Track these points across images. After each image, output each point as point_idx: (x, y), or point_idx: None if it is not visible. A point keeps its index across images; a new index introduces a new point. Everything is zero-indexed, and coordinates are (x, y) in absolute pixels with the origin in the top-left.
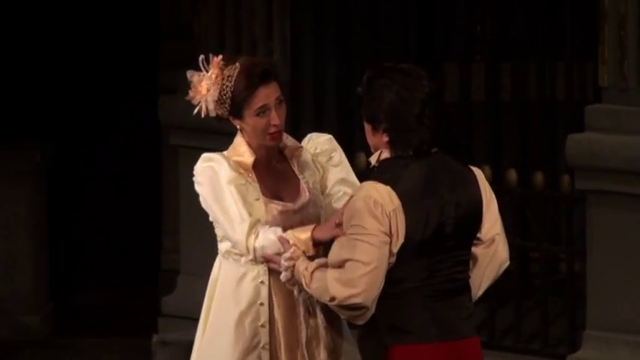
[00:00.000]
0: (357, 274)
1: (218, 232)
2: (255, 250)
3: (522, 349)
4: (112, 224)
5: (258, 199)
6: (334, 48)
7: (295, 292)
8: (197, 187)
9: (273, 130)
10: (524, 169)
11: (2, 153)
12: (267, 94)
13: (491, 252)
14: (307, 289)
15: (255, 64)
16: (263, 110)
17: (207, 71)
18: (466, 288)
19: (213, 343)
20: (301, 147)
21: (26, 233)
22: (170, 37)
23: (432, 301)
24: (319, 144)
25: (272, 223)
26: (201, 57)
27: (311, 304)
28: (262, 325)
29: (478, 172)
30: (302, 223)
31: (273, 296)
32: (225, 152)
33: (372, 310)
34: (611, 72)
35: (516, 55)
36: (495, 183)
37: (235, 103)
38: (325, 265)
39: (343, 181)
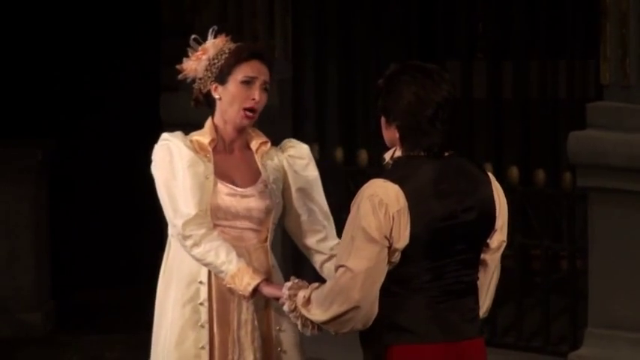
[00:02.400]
0: (350, 284)
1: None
2: (194, 245)
3: (524, 346)
4: (114, 221)
5: (208, 178)
6: (336, 46)
7: (299, 326)
8: (152, 168)
9: (249, 104)
10: (526, 166)
11: (4, 150)
12: (259, 69)
13: (498, 257)
14: (307, 315)
15: (260, 44)
16: (249, 81)
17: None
18: (472, 290)
19: (160, 322)
20: (267, 141)
21: (28, 231)
22: (171, 34)
23: (435, 302)
24: (298, 150)
25: (219, 204)
26: (214, 27)
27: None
28: (201, 304)
29: (492, 178)
30: (249, 211)
31: (212, 275)
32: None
33: (372, 313)
34: (612, 69)
35: (518, 53)
36: (497, 181)
37: (226, 66)
38: (319, 287)
39: (308, 195)
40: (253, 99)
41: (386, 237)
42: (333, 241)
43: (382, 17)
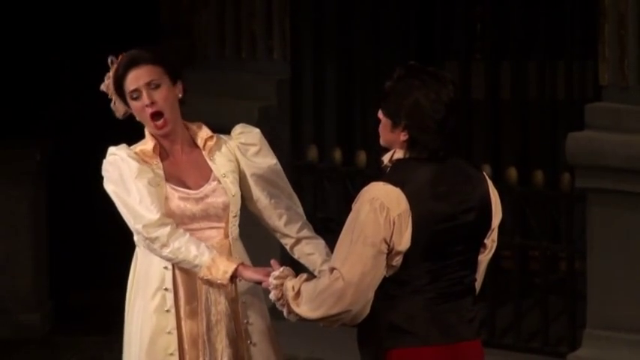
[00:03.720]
0: (342, 291)
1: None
2: (163, 245)
3: (522, 347)
4: (113, 222)
5: (159, 185)
6: (334, 47)
7: (284, 313)
8: (104, 184)
9: (149, 111)
10: (525, 167)
11: (2, 151)
12: (136, 78)
13: (488, 258)
14: (296, 310)
15: (129, 52)
16: (135, 95)
17: None
18: (470, 291)
19: (130, 330)
20: (213, 135)
21: (26, 231)
22: (170, 35)
23: (434, 304)
24: (249, 136)
25: (173, 210)
26: (110, 58)
27: (213, 292)
28: (168, 310)
29: (487, 177)
30: (206, 211)
31: (178, 281)
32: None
33: (363, 314)
34: (611, 70)
35: (516, 54)
36: (495, 181)
37: (116, 93)
38: (310, 279)
39: (266, 179)
40: (147, 106)
41: (385, 241)
42: (299, 222)
43: (380, 18)
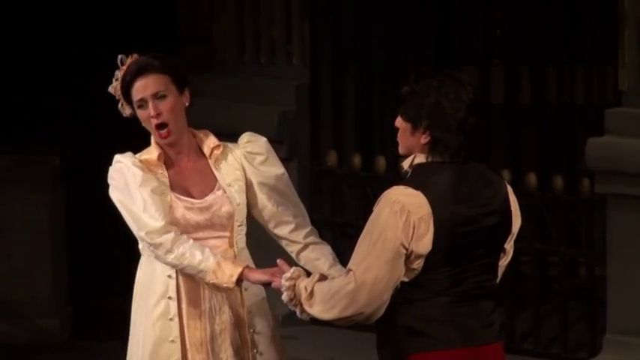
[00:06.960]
0: (355, 294)
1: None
2: (167, 251)
3: (542, 353)
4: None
5: (164, 193)
6: (353, 52)
7: (297, 313)
8: (110, 192)
9: (153, 122)
10: (544, 172)
11: (22, 156)
12: (144, 87)
13: (506, 264)
14: (309, 310)
15: (138, 59)
16: (141, 104)
17: None
18: (491, 295)
19: (133, 338)
20: (219, 144)
21: (46, 237)
22: (189, 41)
23: (455, 307)
24: (256, 145)
25: (178, 219)
26: (120, 56)
27: (217, 301)
28: (171, 319)
29: (506, 182)
30: (210, 221)
31: (181, 290)
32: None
33: (377, 315)
34: (630, 75)
35: (536, 59)
36: (515, 187)
37: (125, 97)
38: (322, 279)
39: (273, 187)
40: (152, 117)
41: (403, 245)
42: (306, 228)
43: (399, 23)
